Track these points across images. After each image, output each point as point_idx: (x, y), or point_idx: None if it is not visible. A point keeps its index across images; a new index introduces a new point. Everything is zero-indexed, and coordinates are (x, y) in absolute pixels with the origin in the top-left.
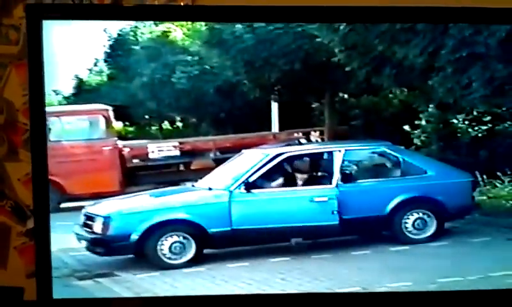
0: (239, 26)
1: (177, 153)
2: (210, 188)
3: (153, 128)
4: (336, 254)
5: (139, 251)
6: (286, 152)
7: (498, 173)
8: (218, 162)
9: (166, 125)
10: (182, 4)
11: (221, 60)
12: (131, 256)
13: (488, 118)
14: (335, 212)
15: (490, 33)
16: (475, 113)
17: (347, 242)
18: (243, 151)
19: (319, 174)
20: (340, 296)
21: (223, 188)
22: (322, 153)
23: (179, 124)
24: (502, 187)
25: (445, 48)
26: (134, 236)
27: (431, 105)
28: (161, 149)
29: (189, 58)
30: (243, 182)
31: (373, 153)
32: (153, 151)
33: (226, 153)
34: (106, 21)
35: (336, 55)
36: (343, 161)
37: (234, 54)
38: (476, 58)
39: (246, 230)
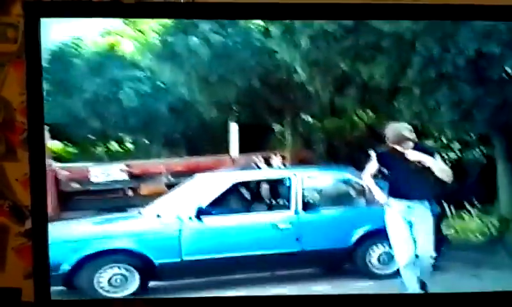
0: (194, 39)
1: (125, 176)
2: (158, 216)
3: (98, 149)
4: (296, 287)
5: (70, 283)
6: (242, 177)
7: (466, 204)
8: (170, 186)
9: (114, 145)
10: (182, 1)
11: (173, 76)
12: None
13: (457, 145)
14: (293, 240)
15: (459, 51)
16: (444, 140)
17: (307, 275)
18: (196, 175)
19: (278, 201)
20: None
21: (173, 216)
22: (281, 179)
23: (130, 145)
24: (469, 219)
25: (412, 66)
26: (65, 267)
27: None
28: (106, 173)
29: (138, 73)
30: (195, 209)
31: (336, 179)
32: (96, 175)
33: (179, 177)
34: (105, 19)
35: (297, 73)
36: (303, 188)
37: (188, 69)
38: (444, 79)
39: (198, 261)
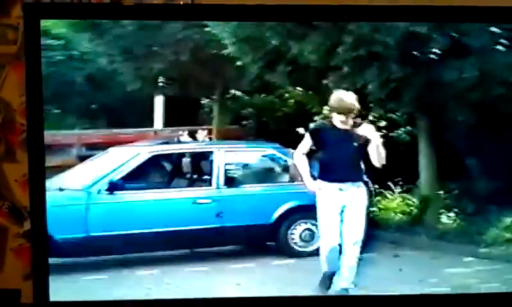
0: None
1: None
2: (61, 189)
3: None
4: (214, 266)
5: None
6: (160, 150)
7: (390, 183)
8: (83, 159)
9: None
10: (181, 2)
11: (93, 46)
12: None
13: (383, 123)
14: (213, 216)
15: (389, 31)
16: (370, 118)
17: (226, 254)
18: (110, 148)
19: (200, 175)
20: None
21: (79, 189)
22: (203, 154)
23: None
24: (392, 198)
25: (343, 45)
26: None
27: (325, 107)
28: None
29: (51, 41)
30: (106, 183)
31: (261, 155)
32: None
33: (96, 150)
34: (105, 20)
35: (227, 48)
36: (227, 163)
37: (110, 40)
38: (373, 58)
39: (107, 237)
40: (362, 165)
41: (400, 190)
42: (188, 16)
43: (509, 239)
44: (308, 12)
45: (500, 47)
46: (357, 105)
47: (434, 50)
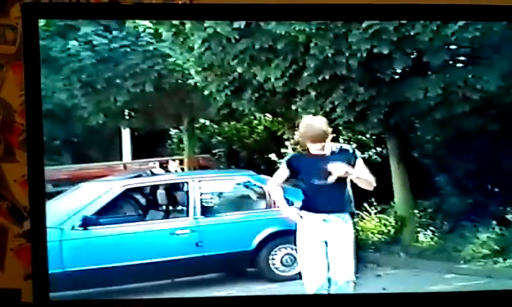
0: (74, 43)
1: None
2: None
3: None
4: (196, 294)
5: None
6: (133, 184)
7: (366, 204)
8: (50, 196)
9: None
10: (180, 2)
11: (49, 81)
12: None
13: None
14: (193, 246)
15: (351, 53)
16: (341, 140)
17: (209, 280)
18: (81, 184)
19: (176, 207)
20: None
21: (52, 226)
22: (177, 185)
23: None
24: (369, 219)
25: (307, 69)
26: None
27: (297, 133)
28: None
29: None
30: (80, 219)
31: (236, 183)
32: None
33: (63, 186)
34: (103, 20)
35: (192, 77)
36: (202, 192)
37: (68, 74)
38: (338, 81)
39: (85, 271)
40: (350, 193)
41: (375, 211)
42: (186, 15)
43: (486, 255)
44: (304, 11)
45: (459, 64)
46: (328, 130)
47: (396, 70)
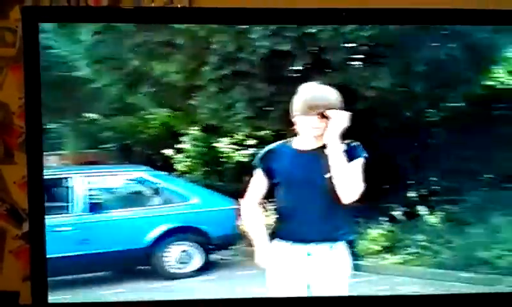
0: None
1: None
2: None
3: None
4: (84, 294)
5: None
6: None
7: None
8: None
9: None
10: (178, 6)
11: None
12: None
13: (254, 142)
14: (78, 244)
15: (254, 50)
16: (240, 137)
17: (98, 279)
18: None
19: (57, 202)
20: None
21: None
22: (59, 180)
23: None
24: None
25: (208, 65)
26: None
27: (194, 128)
28: None
29: None
30: None
31: (128, 179)
32: None
33: None
34: (103, 23)
35: (79, 70)
36: (88, 188)
37: None
38: (239, 77)
39: None
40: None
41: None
42: (186, 19)
43: (378, 251)
44: (299, 15)
45: (356, 63)
46: (338, 104)
47: (298, 67)
